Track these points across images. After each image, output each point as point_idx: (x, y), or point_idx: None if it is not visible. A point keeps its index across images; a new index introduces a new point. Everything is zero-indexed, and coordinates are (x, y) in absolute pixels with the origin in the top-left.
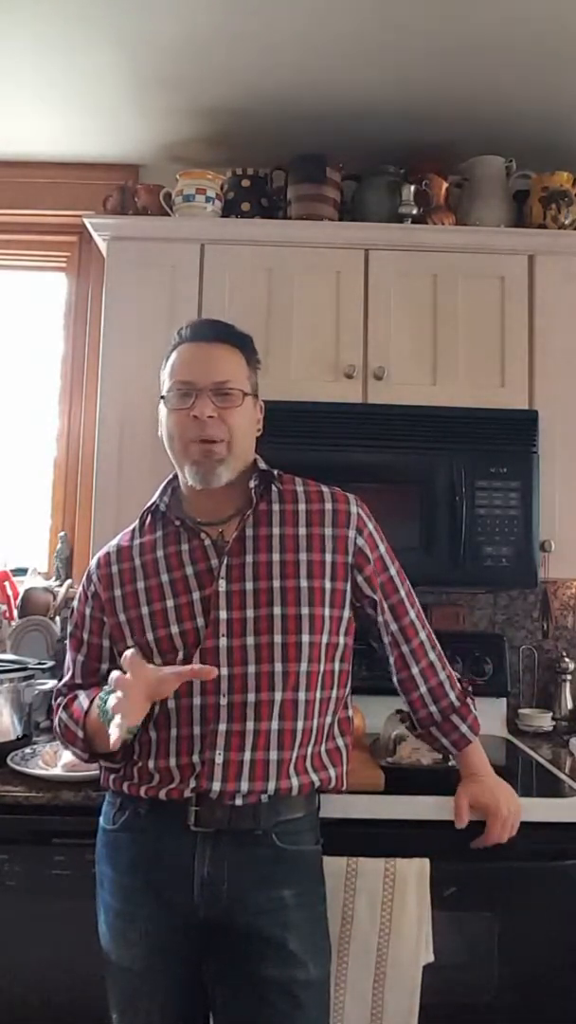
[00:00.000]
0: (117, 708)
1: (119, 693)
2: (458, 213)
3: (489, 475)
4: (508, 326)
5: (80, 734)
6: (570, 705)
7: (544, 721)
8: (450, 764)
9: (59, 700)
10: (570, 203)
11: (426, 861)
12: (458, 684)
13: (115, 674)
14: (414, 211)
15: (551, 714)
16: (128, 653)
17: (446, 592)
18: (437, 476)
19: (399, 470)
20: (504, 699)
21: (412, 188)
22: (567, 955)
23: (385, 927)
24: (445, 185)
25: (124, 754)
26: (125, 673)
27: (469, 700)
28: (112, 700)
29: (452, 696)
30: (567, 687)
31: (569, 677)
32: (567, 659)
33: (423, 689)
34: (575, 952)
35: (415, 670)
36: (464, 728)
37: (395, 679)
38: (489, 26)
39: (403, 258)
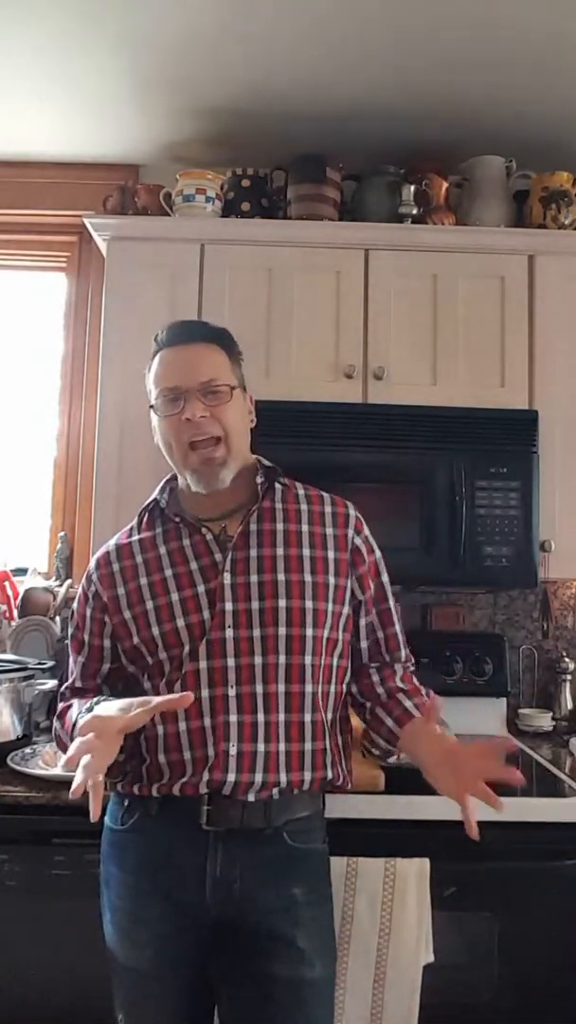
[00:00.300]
0: (85, 748)
1: (88, 737)
2: (458, 213)
3: (489, 475)
4: (508, 326)
5: (69, 744)
6: (570, 705)
7: (544, 721)
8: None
9: (59, 705)
10: (570, 203)
11: (426, 861)
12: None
13: (85, 720)
14: (414, 211)
15: (551, 714)
16: (81, 722)
17: (446, 592)
18: (437, 476)
19: (399, 470)
20: (504, 699)
21: (412, 188)
22: (567, 955)
23: (385, 927)
24: (445, 185)
25: (116, 771)
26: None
27: (424, 692)
28: (76, 745)
29: (403, 685)
30: (567, 687)
31: (569, 677)
32: (567, 659)
33: (376, 678)
34: (575, 952)
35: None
36: (408, 704)
37: (355, 678)
38: (489, 26)
39: (403, 258)
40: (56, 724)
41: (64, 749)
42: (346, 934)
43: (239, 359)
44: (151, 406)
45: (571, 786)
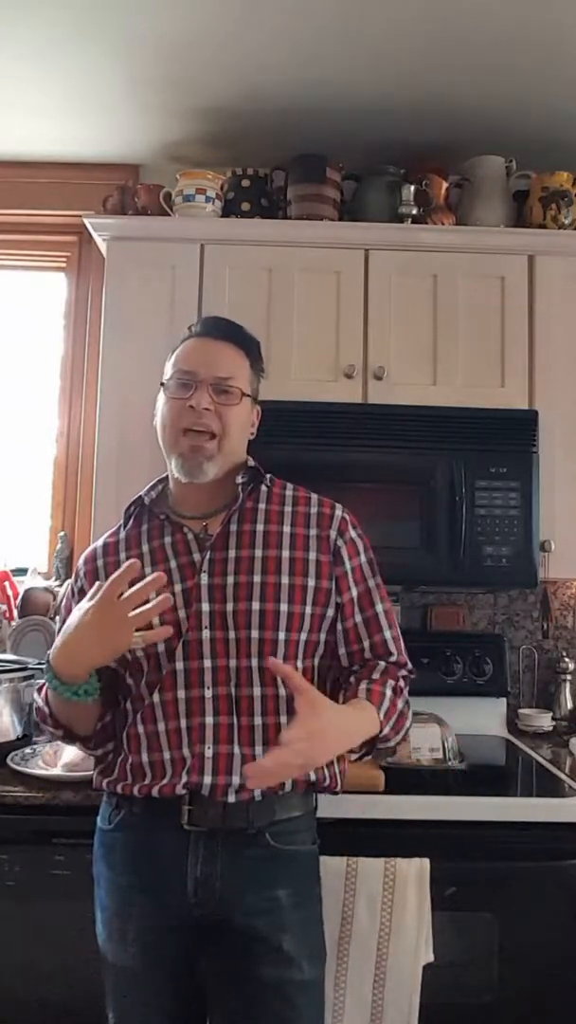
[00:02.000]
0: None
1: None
2: (458, 213)
3: (489, 475)
4: (508, 326)
5: (47, 710)
6: (570, 705)
7: (544, 721)
8: (449, 765)
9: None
10: (570, 203)
11: (426, 861)
12: (397, 704)
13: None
14: (414, 211)
15: (551, 714)
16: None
17: (446, 592)
18: (437, 476)
19: (399, 470)
20: (504, 699)
21: (412, 188)
22: (567, 955)
23: (385, 927)
24: (445, 185)
25: (98, 741)
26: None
27: (401, 704)
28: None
29: (375, 676)
30: (567, 687)
31: (569, 677)
32: (567, 659)
33: (355, 678)
34: (575, 952)
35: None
36: (362, 686)
37: (343, 683)
38: (489, 26)
39: (403, 258)
40: (36, 697)
41: (42, 719)
42: (346, 934)
43: (260, 373)
44: (162, 384)
45: (571, 786)
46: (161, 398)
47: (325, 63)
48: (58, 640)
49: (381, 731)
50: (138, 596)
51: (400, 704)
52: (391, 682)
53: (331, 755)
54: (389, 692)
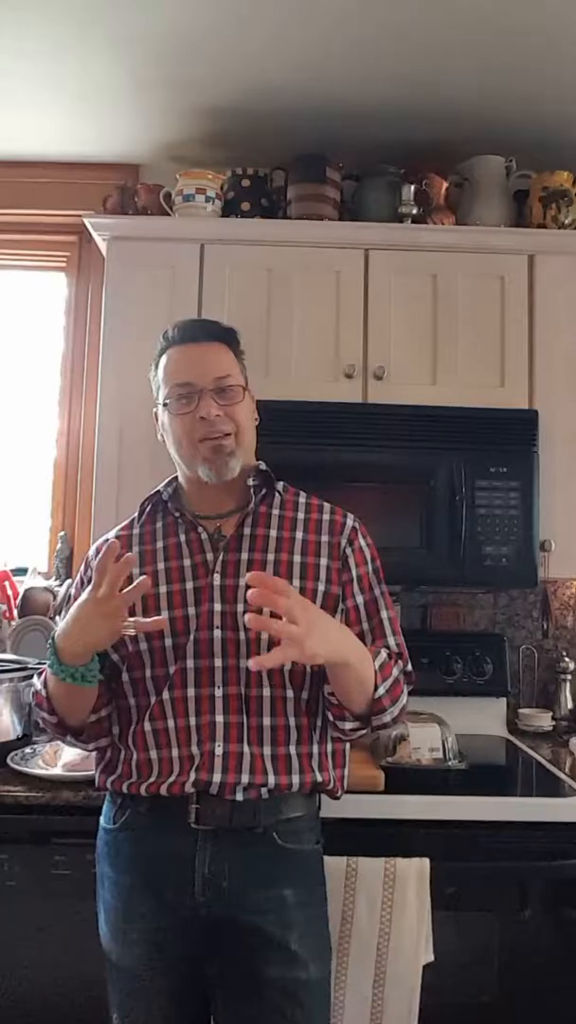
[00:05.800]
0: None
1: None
2: (458, 213)
3: (489, 475)
4: (508, 326)
5: (44, 693)
6: (570, 705)
7: (544, 721)
8: (449, 765)
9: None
10: (570, 203)
11: (426, 861)
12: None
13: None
14: (414, 211)
15: (551, 714)
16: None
17: (446, 592)
18: (437, 476)
19: (399, 470)
20: (504, 699)
21: (412, 188)
22: (567, 955)
23: (385, 927)
24: (445, 185)
25: (90, 735)
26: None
27: (397, 672)
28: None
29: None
30: (567, 687)
31: (569, 677)
32: (567, 659)
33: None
34: (574, 952)
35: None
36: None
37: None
38: (489, 26)
39: (403, 258)
40: (35, 681)
41: (39, 703)
42: (346, 934)
43: (243, 359)
44: (163, 404)
45: (571, 786)
46: (164, 416)
47: (325, 63)
48: (62, 623)
49: (376, 689)
50: (129, 596)
51: (395, 671)
52: (387, 650)
53: (327, 644)
54: (384, 654)
